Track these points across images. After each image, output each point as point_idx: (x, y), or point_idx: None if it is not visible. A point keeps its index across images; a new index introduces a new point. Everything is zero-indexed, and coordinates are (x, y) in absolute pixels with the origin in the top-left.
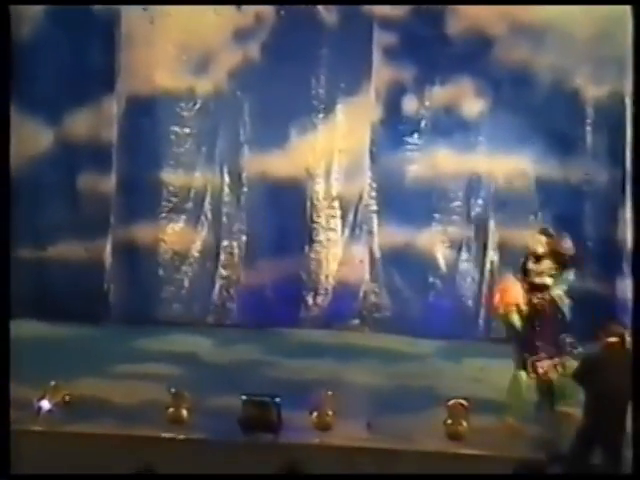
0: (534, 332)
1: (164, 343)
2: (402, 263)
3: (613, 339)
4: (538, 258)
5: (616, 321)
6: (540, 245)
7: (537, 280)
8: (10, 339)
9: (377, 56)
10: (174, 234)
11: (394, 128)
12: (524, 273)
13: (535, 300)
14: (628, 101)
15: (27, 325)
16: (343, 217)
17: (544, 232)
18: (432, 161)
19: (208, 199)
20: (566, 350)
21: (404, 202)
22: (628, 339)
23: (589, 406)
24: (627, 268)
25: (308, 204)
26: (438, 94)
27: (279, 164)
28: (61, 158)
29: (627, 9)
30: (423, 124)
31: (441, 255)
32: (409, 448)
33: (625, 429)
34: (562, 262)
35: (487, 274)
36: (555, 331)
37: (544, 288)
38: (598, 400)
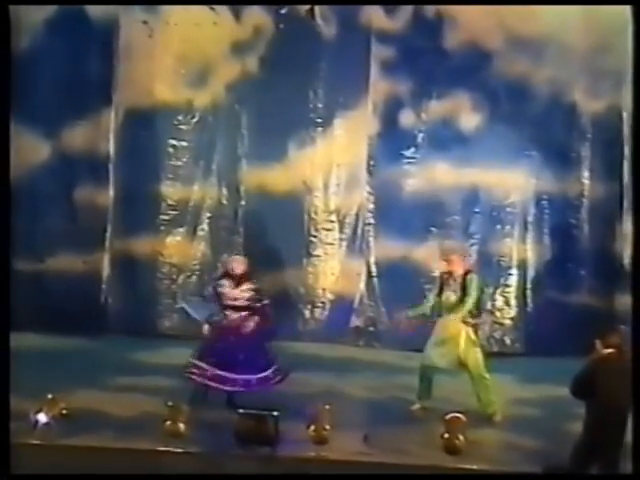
0: None
1: (162, 356)
2: (399, 277)
3: (610, 350)
4: (235, 279)
5: (612, 332)
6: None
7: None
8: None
9: (375, 69)
10: (172, 247)
11: (392, 142)
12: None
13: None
14: (626, 115)
15: (24, 337)
16: (341, 230)
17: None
18: (429, 175)
19: (206, 212)
20: None
21: (401, 216)
22: (625, 349)
23: (589, 420)
24: (624, 282)
25: (306, 217)
26: (435, 108)
27: (277, 177)
28: (59, 170)
29: (627, 20)
30: (420, 138)
31: (438, 269)
32: (406, 462)
33: (623, 442)
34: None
35: (484, 287)
36: None
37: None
38: (597, 413)
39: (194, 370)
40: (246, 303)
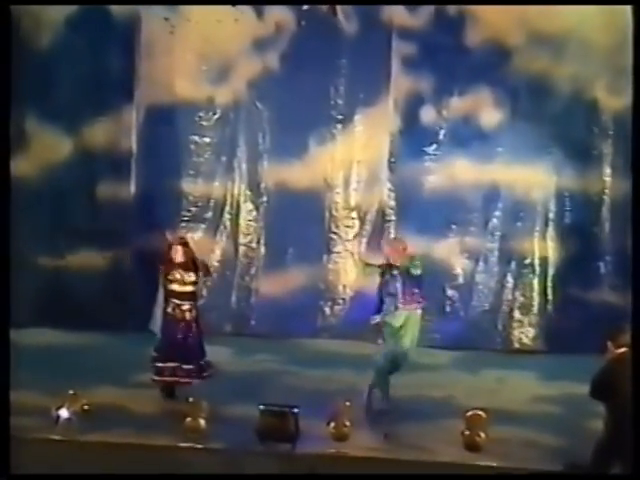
0: None
1: None
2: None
3: (622, 349)
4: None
5: (621, 331)
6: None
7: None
8: (10, 343)
9: (396, 66)
10: (193, 243)
11: (412, 138)
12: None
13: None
14: None
15: (46, 333)
16: (361, 227)
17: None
18: (450, 171)
19: (227, 209)
20: None
21: (422, 212)
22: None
23: (609, 419)
24: None
25: (326, 214)
26: (456, 104)
27: (298, 174)
28: (81, 167)
29: None
30: (441, 134)
31: (459, 265)
32: (426, 459)
33: None
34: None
35: (505, 284)
36: None
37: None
38: (617, 413)
39: (155, 371)
40: (190, 290)
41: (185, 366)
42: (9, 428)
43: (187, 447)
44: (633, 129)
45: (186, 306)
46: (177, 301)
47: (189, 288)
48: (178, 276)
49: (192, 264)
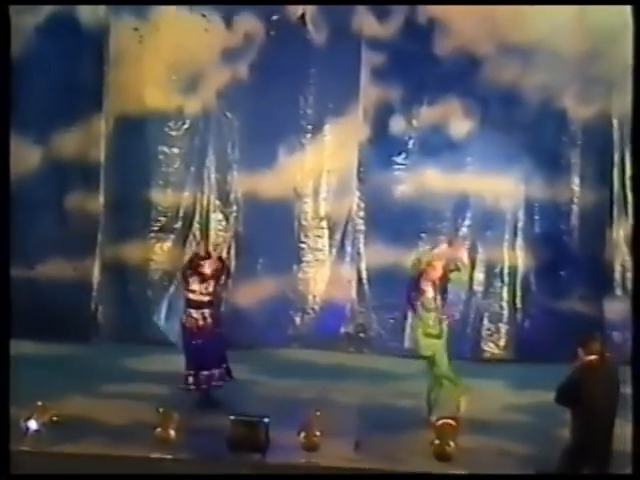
0: None
1: (152, 363)
2: (389, 283)
3: (592, 357)
4: (202, 277)
5: (592, 339)
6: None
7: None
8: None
9: (365, 76)
10: (162, 253)
11: (382, 148)
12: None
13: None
14: (616, 122)
15: (14, 344)
16: (331, 237)
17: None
18: (420, 181)
19: (196, 219)
20: None
21: (392, 222)
22: (607, 355)
23: (575, 426)
24: (614, 288)
25: (296, 224)
26: (426, 114)
27: (267, 184)
28: (49, 177)
29: (619, 26)
30: (411, 144)
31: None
32: (396, 468)
33: (612, 446)
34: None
35: (474, 293)
36: None
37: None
38: (583, 419)
39: (188, 381)
40: (207, 299)
41: (204, 373)
42: (9, 428)
43: (157, 458)
44: (633, 130)
45: (196, 314)
46: (189, 309)
47: (205, 297)
48: (196, 287)
49: (216, 274)
